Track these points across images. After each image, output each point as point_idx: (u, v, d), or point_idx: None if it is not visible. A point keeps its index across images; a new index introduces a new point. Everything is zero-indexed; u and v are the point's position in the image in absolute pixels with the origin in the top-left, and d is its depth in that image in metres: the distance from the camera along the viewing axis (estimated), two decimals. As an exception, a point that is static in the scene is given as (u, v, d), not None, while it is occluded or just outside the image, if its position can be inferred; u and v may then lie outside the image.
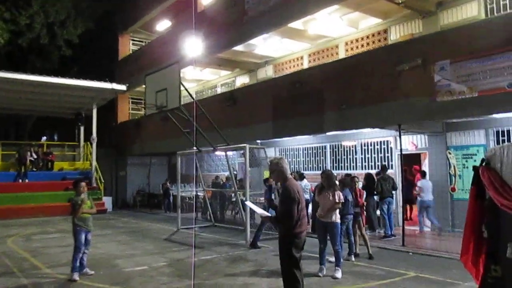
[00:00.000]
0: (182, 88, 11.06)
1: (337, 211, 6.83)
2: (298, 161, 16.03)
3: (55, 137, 31.29)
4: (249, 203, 4.84)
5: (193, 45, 16.71)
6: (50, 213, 16.93)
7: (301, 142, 15.44)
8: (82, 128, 21.85)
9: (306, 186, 11.98)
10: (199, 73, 20.67)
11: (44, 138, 31.66)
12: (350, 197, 8.07)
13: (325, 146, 14.85)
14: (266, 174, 15.94)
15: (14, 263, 8.02)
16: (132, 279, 6.65)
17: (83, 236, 6.82)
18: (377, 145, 13.18)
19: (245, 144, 10.57)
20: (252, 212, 9.04)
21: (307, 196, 11.39)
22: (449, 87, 8.75)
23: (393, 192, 10.86)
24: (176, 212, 13.08)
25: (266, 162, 12.42)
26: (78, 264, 6.72)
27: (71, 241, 10.35)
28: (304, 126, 12.14)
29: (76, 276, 6.62)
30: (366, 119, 10.38)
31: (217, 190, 14.77)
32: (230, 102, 14.89)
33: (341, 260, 6.82)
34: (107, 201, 19.51)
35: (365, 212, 9.72)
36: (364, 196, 10.90)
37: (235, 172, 17.68)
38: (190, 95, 11.52)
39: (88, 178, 20.10)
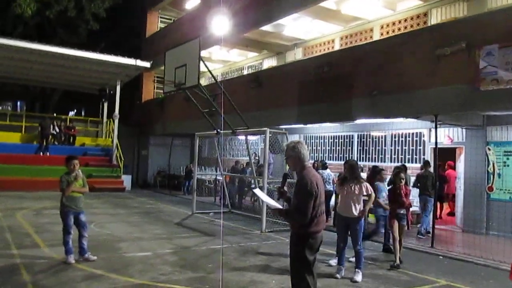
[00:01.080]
0: (202, 65, 10.44)
1: (361, 205, 6.10)
2: (323, 149, 15.24)
3: (83, 113, 31.42)
4: (257, 191, 4.17)
5: (220, 23, 16.00)
6: (69, 188, 16.74)
7: (327, 130, 14.63)
8: (105, 104, 21.64)
9: (329, 176, 11.25)
10: (226, 54, 20.00)
11: (72, 113, 31.92)
12: (384, 194, 7.34)
13: (352, 136, 14.00)
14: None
15: (15, 238, 7.67)
16: (131, 267, 6.14)
17: (71, 218, 6.27)
18: (409, 137, 12.26)
19: (265, 128, 9.89)
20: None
21: (329, 187, 10.67)
22: (495, 75, 7.78)
23: (432, 190, 9.85)
24: (193, 195, 12.58)
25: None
26: (70, 246, 6.22)
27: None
28: (331, 112, 11.34)
29: (71, 259, 6.14)
30: (399, 107, 9.50)
31: (235, 176, 14.17)
32: (254, 84, 14.19)
33: (363, 261, 6.10)
34: (126, 180, 19.28)
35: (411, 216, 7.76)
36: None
37: (257, 158, 17.07)
38: (209, 71, 10.83)
39: (109, 155, 19.98)
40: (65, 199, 6.24)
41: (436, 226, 9.27)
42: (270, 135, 10.98)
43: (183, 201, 15.67)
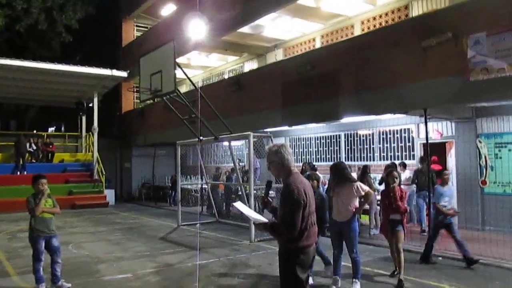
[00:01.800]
0: (180, 71, 9.95)
1: (354, 207, 5.65)
2: (310, 151, 14.84)
3: (62, 128, 30.55)
4: (238, 204, 3.68)
5: (196, 27, 15.52)
6: (48, 207, 16.03)
7: (313, 131, 14.24)
8: (83, 118, 20.94)
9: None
10: (205, 59, 19.55)
11: (52, 129, 30.99)
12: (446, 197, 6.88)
13: (339, 136, 13.63)
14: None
15: (-16, 268, 7.06)
16: (109, 292, 5.60)
17: (42, 243, 5.66)
18: (397, 133, 11.93)
19: (248, 132, 9.43)
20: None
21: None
22: (485, 64, 7.44)
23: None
24: (184, 206, 12.04)
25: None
26: (41, 274, 5.63)
27: (61, 239, 9.42)
28: (316, 112, 10.91)
29: (41, 288, 5.58)
30: (387, 103, 9.11)
31: (217, 183, 13.71)
32: (235, 88, 13.71)
33: (360, 269, 5.65)
34: (109, 194, 18.61)
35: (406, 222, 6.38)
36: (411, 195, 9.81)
37: (242, 164, 16.60)
38: (186, 74, 10.33)
39: (90, 170, 19.29)
40: (35, 222, 5.65)
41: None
42: (255, 139, 10.56)
43: (169, 213, 15.08)
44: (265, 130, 13.16)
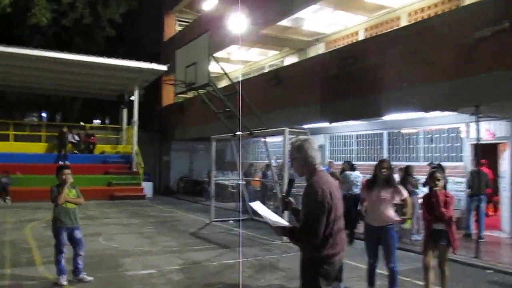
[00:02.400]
0: (217, 65, 9.72)
1: (392, 212, 5.13)
2: (350, 150, 14.24)
3: (107, 121, 31.34)
4: (254, 204, 3.32)
5: (236, 21, 15.26)
6: (87, 197, 16.08)
7: (354, 128, 13.62)
8: (124, 111, 21.26)
9: (357, 178, 10.26)
10: (246, 53, 19.25)
11: (97, 121, 31.86)
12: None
13: (381, 134, 12.95)
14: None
15: (13, 255, 7.08)
16: (129, 288, 5.40)
17: (64, 235, 5.56)
18: (444, 133, 11.14)
19: (284, 128, 9.03)
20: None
21: (357, 191, 9.70)
22: (548, 57, 6.68)
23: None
24: (220, 202, 11.84)
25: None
26: (63, 266, 5.51)
27: (93, 230, 9.49)
28: (357, 109, 10.34)
29: (62, 280, 5.43)
30: (434, 99, 8.43)
31: (254, 180, 13.44)
32: (274, 82, 13.33)
33: (398, 281, 5.12)
34: (147, 187, 18.75)
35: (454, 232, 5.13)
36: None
37: (280, 161, 16.21)
38: (222, 68, 10.07)
39: (129, 162, 19.54)
40: (58, 212, 5.56)
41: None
42: (293, 136, 10.16)
43: (205, 208, 14.92)
44: (303, 126, 12.74)
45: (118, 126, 22.26)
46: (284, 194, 3.24)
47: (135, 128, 19.48)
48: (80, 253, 5.65)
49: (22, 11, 18.44)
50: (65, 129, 18.79)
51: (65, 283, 5.44)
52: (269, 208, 3.14)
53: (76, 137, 19.35)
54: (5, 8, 17.54)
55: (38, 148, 18.97)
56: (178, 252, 7.61)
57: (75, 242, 5.64)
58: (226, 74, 10.54)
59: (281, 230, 3.01)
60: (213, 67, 17.68)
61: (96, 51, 20.97)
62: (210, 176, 17.93)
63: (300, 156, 3.00)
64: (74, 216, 5.61)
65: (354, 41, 14.28)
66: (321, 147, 15.46)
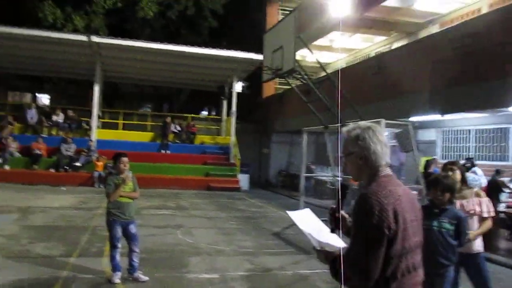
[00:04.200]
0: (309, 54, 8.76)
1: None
2: (467, 147, 12.23)
3: (213, 112, 32.18)
4: (293, 214, 2.37)
5: (338, 4, 14.03)
6: (184, 186, 16.66)
7: (472, 122, 11.64)
8: (225, 102, 21.30)
9: (474, 181, 8.52)
10: (349, 41, 17.85)
11: (204, 112, 32.89)
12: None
13: (506, 129, 10.81)
14: (423, 160, 12.64)
15: (87, 242, 6.98)
16: (181, 296, 4.80)
17: (118, 230, 5.13)
18: None
19: (379, 119, 7.76)
20: None
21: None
22: None
23: None
24: (316, 199, 10.97)
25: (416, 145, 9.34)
26: (117, 262, 5.12)
27: (176, 221, 9.27)
28: (477, 98, 8.60)
29: (115, 278, 5.04)
30: None
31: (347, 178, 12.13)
32: (374, 70, 11.93)
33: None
34: (243, 179, 18.47)
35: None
36: None
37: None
38: (309, 49, 9.08)
39: (227, 154, 19.50)
40: (112, 206, 5.14)
41: None
42: (399, 130, 8.84)
43: (299, 204, 14.09)
44: (409, 119, 11.16)
45: (218, 117, 22.44)
46: (333, 206, 2.25)
47: (233, 119, 19.34)
48: (135, 250, 5.21)
49: (131, 5, 19.36)
50: (168, 119, 19.40)
51: (117, 281, 5.03)
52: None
53: (178, 127, 19.85)
54: (116, 3, 18.59)
55: (143, 137, 19.84)
56: (252, 254, 6.89)
57: (129, 238, 5.21)
58: (321, 65, 9.52)
59: (323, 256, 2.07)
60: (310, 57, 16.68)
61: (202, 42, 21.35)
62: (311, 170, 17.21)
63: (357, 151, 1.99)
64: (128, 211, 5.16)
65: (476, 20, 12.18)
66: (432, 143, 13.60)
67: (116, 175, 5.20)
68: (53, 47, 16.51)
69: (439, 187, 3.55)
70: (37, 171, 15.92)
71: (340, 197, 2.23)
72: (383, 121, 7.69)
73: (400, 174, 12.68)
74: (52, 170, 16.16)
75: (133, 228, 5.21)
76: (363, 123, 2.08)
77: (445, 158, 13.07)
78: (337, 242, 2.17)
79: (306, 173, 16.70)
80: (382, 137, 2.02)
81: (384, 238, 1.75)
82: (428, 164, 10.56)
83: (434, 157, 12.08)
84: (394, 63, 11.31)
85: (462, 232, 3.54)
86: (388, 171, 1.98)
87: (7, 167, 15.72)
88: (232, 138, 19.31)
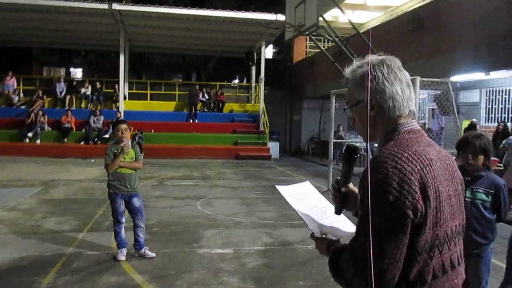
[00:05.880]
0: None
1: None
2: (515, 109, 11.15)
3: (244, 80, 31.55)
4: (282, 189, 1.80)
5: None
6: (213, 155, 16.36)
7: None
8: (253, 68, 20.61)
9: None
10: (384, -5, 16.52)
11: (235, 81, 32.34)
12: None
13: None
14: (465, 123, 11.67)
15: (101, 216, 6.71)
16: (186, 274, 4.39)
17: (120, 204, 4.74)
18: None
19: (414, 77, 6.93)
20: None
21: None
22: None
23: None
24: (330, 167, 10.38)
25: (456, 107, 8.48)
26: (122, 238, 4.77)
27: (198, 191, 8.94)
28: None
29: (120, 255, 4.69)
30: None
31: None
32: (413, 26, 10.90)
33: None
34: (273, 147, 17.96)
35: None
36: None
37: (422, 121, 13.70)
38: (339, 7, 8.20)
39: (256, 121, 18.98)
40: (112, 178, 4.74)
41: None
42: (440, 92, 8.03)
43: (329, 172, 13.48)
44: (450, 78, 10.17)
45: (247, 84, 21.82)
46: (338, 179, 1.66)
47: (262, 85, 18.66)
48: (140, 224, 4.83)
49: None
50: (196, 88, 18.98)
51: (122, 258, 4.68)
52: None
53: (206, 96, 19.41)
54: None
55: (171, 106, 19.58)
56: (272, 227, 6.42)
57: (133, 212, 4.82)
58: (352, 24, 8.66)
59: (324, 246, 1.50)
60: (343, 18, 15.59)
61: (228, 7, 20.53)
62: (341, 136, 16.47)
63: (366, 98, 1.38)
64: (130, 183, 4.74)
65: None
66: (474, 105, 12.53)
67: (115, 145, 4.76)
68: (77, 18, 16.23)
69: (470, 149, 2.87)
70: (67, 144, 16.03)
71: (347, 166, 1.61)
72: (418, 79, 6.87)
73: (440, 139, 11.82)
74: (82, 143, 16.21)
75: (136, 202, 4.81)
76: (373, 56, 1.45)
77: (489, 122, 12.01)
78: (346, 226, 1.61)
79: (336, 139, 16.08)
80: (402, 74, 1.40)
81: (406, 223, 1.16)
82: (470, 127, 9.67)
83: (473, 120, 11.12)
84: (435, 17, 10.24)
85: (502, 203, 2.87)
86: (413, 124, 1.36)
87: (38, 141, 15.89)
88: (261, 105, 18.70)
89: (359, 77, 1.41)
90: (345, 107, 1.52)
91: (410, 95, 1.38)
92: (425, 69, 9.90)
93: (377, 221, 1.18)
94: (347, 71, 1.48)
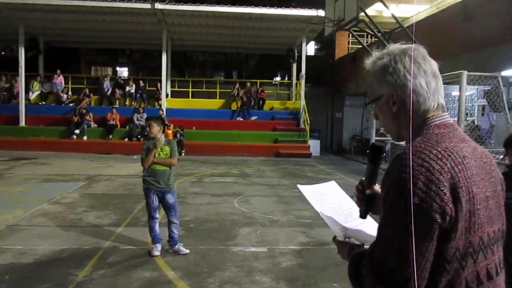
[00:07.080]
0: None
1: None
2: None
3: (286, 77, 31.43)
4: (304, 189, 1.68)
5: None
6: (253, 153, 16.35)
7: None
8: (294, 65, 20.41)
9: None
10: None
11: (277, 78, 32.28)
12: None
13: None
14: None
15: (140, 211, 6.81)
16: (219, 272, 4.35)
17: (154, 199, 4.76)
18: None
19: (461, 71, 6.55)
20: None
21: None
22: None
23: None
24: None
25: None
26: (157, 233, 4.80)
27: (236, 189, 8.95)
28: None
29: (155, 251, 4.73)
30: None
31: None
32: (460, 18, 10.37)
33: None
34: (314, 145, 17.71)
35: None
36: None
37: (469, 119, 13.03)
38: (382, 2, 7.90)
39: (297, 119, 18.80)
40: (146, 173, 4.78)
41: None
42: (491, 87, 7.59)
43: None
44: (501, 73, 9.59)
45: (288, 81, 21.65)
46: (362, 180, 1.53)
47: (303, 82, 18.44)
48: (174, 221, 4.83)
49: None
50: (237, 86, 19.06)
51: (156, 253, 4.72)
52: None
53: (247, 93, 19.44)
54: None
55: (213, 104, 19.76)
56: (309, 226, 6.28)
57: (167, 208, 4.84)
58: (395, 18, 8.35)
59: (346, 250, 1.39)
60: (387, 13, 15.17)
61: (268, 4, 20.44)
62: (382, 134, 15.98)
63: (390, 89, 1.25)
64: (163, 179, 4.76)
65: None
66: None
67: (149, 140, 4.80)
68: (121, 18, 16.70)
69: None
70: (112, 140, 16.52)
71: (372, 166, 1.48)
72: (465, 73, 6.50)
73: (491, 138, 11.21)
74: (126, 140, 16.66)
75: (170, 198, 4.83)
76: (395, 46, 1.32)
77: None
78: (373, 229, 1.48)
79: (379, 137, 15.63)
80: (427, 64, 1.25)
81: (433, 228, 1.03)
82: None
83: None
84: (484, 9, 9.70)
85: None
86: (445, 117, 1.21)
87: (85, 138, 16.48)
88: (302, 103, 18.48)
89: (379, 70, 1.27)
90: (366, 103, 1.39)
91: (436, 87, 1.23)
92: (474, 63, 9.41)
93: (401, 226, 1.05)
94: (367, 62, 1.35)
